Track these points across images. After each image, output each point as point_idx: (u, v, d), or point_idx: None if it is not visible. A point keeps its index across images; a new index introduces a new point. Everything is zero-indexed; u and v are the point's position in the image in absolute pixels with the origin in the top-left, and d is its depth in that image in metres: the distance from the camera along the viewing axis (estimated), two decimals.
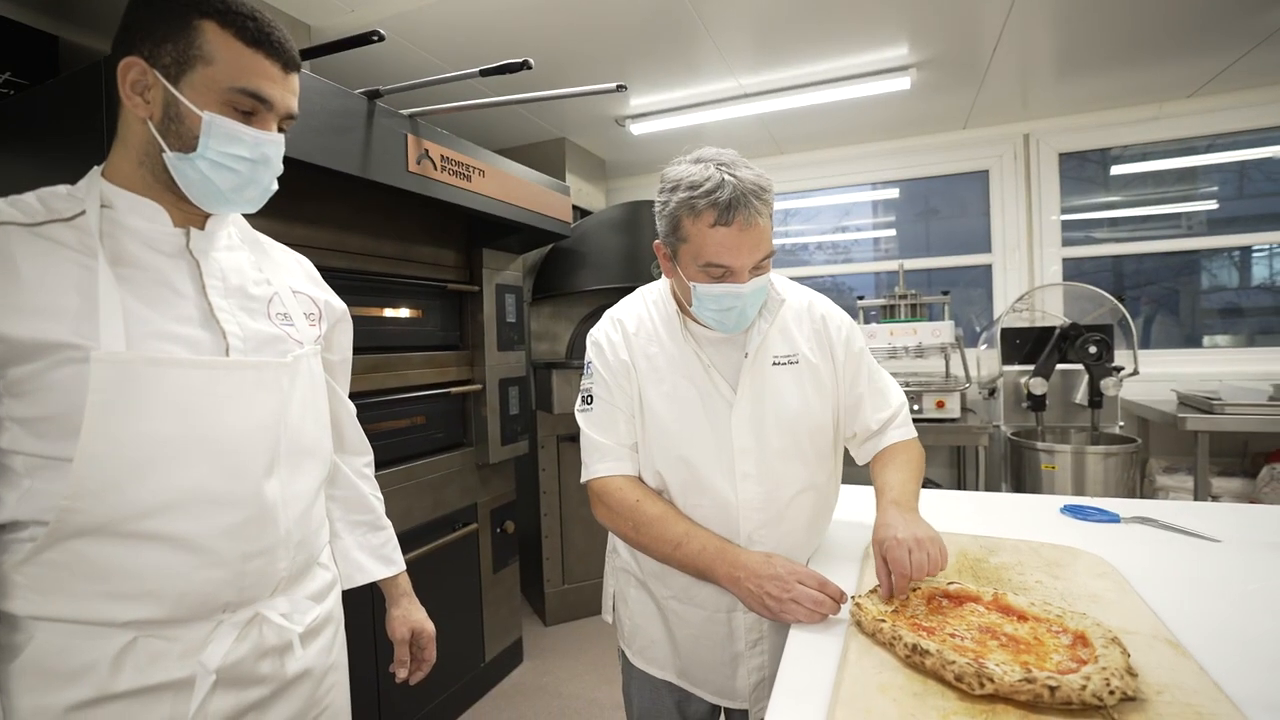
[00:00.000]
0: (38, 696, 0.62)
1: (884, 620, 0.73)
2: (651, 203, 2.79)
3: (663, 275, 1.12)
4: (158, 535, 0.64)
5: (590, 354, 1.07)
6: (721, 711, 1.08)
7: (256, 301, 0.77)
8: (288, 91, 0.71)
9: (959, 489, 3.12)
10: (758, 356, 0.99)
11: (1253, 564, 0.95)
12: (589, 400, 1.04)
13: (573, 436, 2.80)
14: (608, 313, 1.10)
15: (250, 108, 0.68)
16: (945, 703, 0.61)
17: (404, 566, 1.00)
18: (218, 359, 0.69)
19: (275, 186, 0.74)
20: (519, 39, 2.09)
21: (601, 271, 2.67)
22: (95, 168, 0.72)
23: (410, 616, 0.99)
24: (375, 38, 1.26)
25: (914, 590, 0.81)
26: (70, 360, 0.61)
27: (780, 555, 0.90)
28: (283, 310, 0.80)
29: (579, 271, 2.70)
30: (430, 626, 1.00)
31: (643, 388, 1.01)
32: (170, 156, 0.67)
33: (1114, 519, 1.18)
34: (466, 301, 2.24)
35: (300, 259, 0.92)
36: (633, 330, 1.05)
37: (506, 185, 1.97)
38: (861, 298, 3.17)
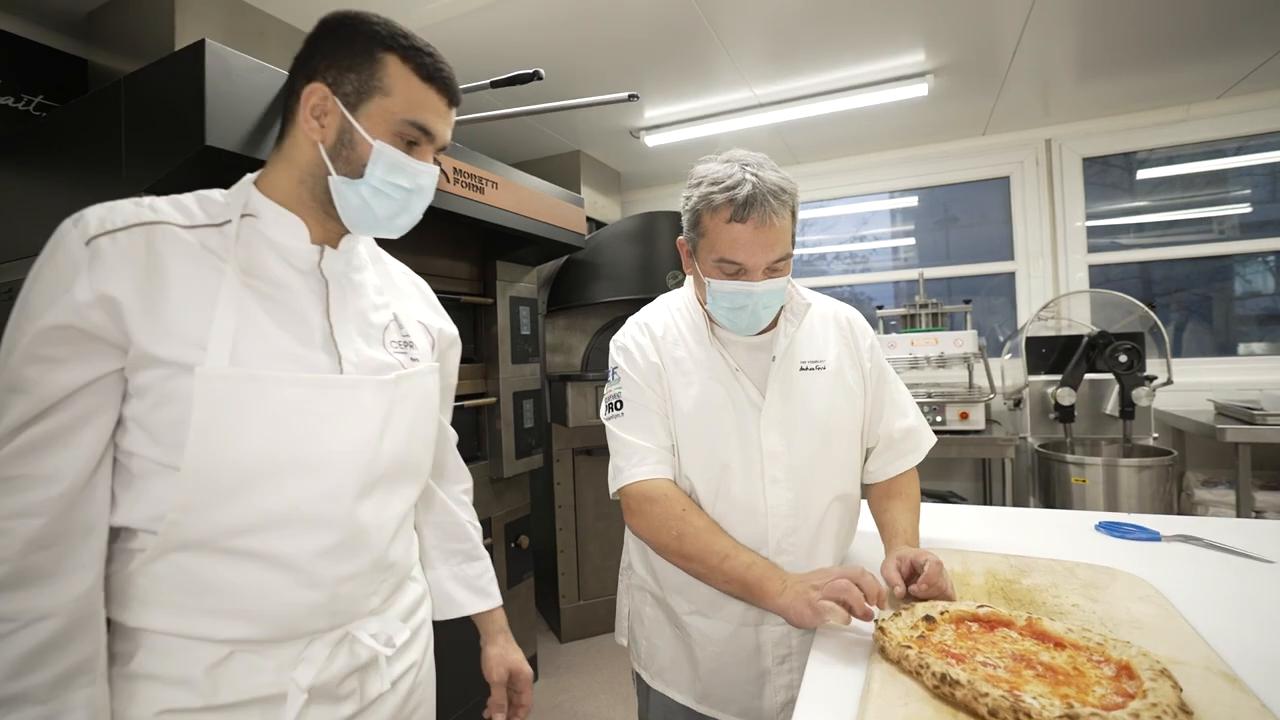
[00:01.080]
0: (141, 705, 0.64)
1: (910, 646, 0.69)
2: (667, 214, 2.80)
3: (679, 286, 1.11)
4: (256, 553, 0.65)
5: (617, 359, 1.04)
6: None
7: (374, 328, 0.77)
8: (448, 126, 0.74)
9: (985, 503, 3.03)
10: (785, 360, 0.97)
11: None
12: (618, 405, 1.01)
13: (588, 449, 2.77)
14: (631, 319, 1.08)
15: (415, 138, 0.70)
16: None
17: (501, 600, 0.97)
18: (316, 376, 0.68)
19: (421, 215, 0.76)
20: (532, 54, 2.11)
21: (617, 283, 2.66)
22: (249, 175, 0.73)
23: (508, 657, 0.94)
24: None
25: (941, 614, 0.77)
26: (188, 372, 0.62)
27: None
28: (396, 338, 0.80)
29: (594, 283, 2.69)
30: (528, 669, 0.95)
31: (671, 391, 0.99)
32: (335, 180, 0.69)
33: (1154, 537, 1.12)
34: (481, 314, 2.24)
35: (419, 282, 0.92)
36: (660, 334, 1.03)
37: (520, 197, 1.97)
38: (881, 307, 3.11)
